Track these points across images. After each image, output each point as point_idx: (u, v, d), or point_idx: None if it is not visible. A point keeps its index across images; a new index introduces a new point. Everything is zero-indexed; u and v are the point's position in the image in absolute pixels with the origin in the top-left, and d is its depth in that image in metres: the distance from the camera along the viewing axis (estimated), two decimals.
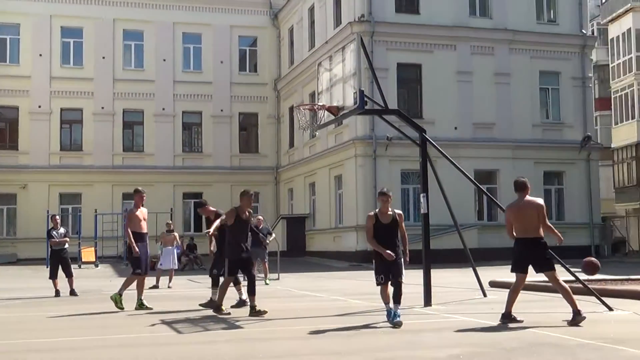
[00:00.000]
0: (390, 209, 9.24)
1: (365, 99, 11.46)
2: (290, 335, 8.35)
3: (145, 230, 12.00)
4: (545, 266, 8.88)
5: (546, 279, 9.10)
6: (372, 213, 9.29)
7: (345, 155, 29.35)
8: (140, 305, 11.60)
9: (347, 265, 26.09)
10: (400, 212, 9.42)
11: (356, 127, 28.35)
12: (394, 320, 8.72)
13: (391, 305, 8.91)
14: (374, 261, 9.30)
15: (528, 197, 9.00)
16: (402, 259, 9.13)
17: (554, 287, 9.06)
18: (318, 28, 33.08)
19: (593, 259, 10.65)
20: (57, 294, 14.81)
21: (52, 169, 34.80)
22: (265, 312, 10.06)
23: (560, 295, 8.91)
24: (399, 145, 26.31)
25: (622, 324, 8.52)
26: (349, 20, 28.93)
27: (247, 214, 10.69)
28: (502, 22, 30.33)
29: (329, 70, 12.61)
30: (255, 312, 10.09)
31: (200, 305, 11.49)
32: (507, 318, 8.84)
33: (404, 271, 9.04)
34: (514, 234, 8.99)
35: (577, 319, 8.53)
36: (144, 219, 12.05)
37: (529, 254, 8.85)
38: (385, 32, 28.74)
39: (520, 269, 8.94)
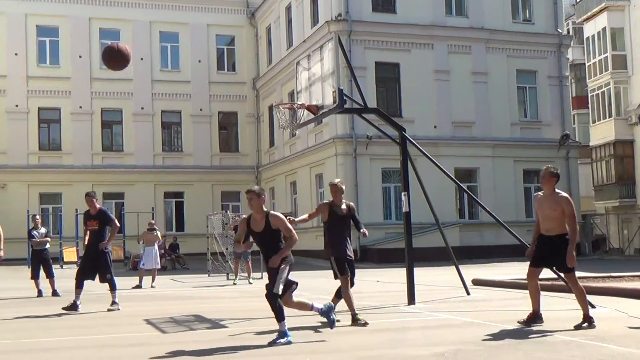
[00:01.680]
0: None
1: (345, 97, 11.51)
2: (274, 333, 8.39)
3: None
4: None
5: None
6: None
7: (326, 154, 29.44)
8: None
9: (329, 265, 26.17)
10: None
11: (336, 126, 28.45)
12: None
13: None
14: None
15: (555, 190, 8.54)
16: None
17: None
18: (295, 27, 33.13)
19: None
20: (39, 294, 14.75)
21: (32, 169, 34.55)
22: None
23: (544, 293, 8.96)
24: (379, 144, 26.41)
25: (604, 321, 8.65)
26: (326, 19, 29.03)
27: (347, 206, 9.48)
28: (478, 21, 30.60)
29: (308, 69, 12.64)
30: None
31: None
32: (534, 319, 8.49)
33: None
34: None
35: (584, 326, 8.15)
36: None
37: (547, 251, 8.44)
38: (362, 31, 28.86)
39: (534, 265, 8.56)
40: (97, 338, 8.51)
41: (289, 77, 30.71)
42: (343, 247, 9.25)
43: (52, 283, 15.06)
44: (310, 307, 8.12)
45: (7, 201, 33.67)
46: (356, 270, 9.43)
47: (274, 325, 9.14)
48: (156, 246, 18.17)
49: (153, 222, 19.48)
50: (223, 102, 37.94)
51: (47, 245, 15.49)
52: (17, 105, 34.78)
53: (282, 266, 7.75)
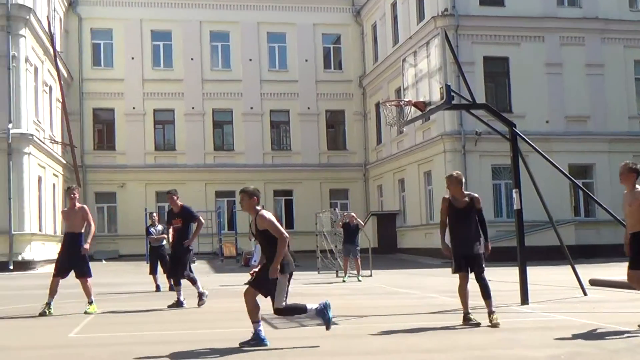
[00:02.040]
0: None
1: (452, 93, 11.36)
2: (385, 331, 8.38)
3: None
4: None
5: None
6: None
7: (434, 151, 29.13)
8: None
9: (440, 263, 25.85)
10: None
11: (444, 123, 28.10)
12: None
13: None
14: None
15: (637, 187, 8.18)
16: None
17: None
18: (401, 23, 32.94)
19: None
20: (157, 289, 15.34)
21: (148, 168, 35.96)
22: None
23: None
24: (489, 140, 25.97)
25: None
26: (433, 15, 28.69)
27: (469, 200, 8.81)
28: (592, 11, 29.44)
29: (414, 65, 12.53)
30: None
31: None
32: None
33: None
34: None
35: None
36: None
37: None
38: (469, 25, 28.37)
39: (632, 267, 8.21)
40: (211, 332, 8.77)
41: (396, 74, 30.58)
42: (462, 243, 8.86)
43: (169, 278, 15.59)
44: (305, 310, 7.53)
45: (126, 200, 35.24)
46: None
47: (386, 323, 9.16)
48: None
49: None
50: (330, 100, 38.22)
51: (164, 242, 16.03)
52: (134, 108, 36.31)
53: (280, 277, 7.29)
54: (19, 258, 24.80)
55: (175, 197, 11.71)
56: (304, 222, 34.46)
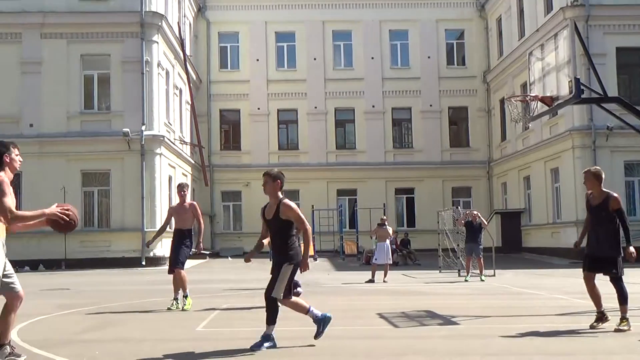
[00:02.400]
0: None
1: (582, 87, 10.93)
2: (507, 333, 8.16)
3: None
4: None
5: None
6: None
7: (562, 147, 28.06)
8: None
9: (567, 263, 24.92)
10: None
11: (573, 117, 27.01)
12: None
13: None
14: None
15: None
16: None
17: None
18: (528, 16, 31.93)
19: None
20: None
21: (272, 168, 36.61)
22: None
23: None
24: (621, 135, 24.81)
25: None
26: (561, 6, 27.58)
27: (604, 199, 8.43)
28: None
29: (541, 59, 12.16)
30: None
31: None
32: None
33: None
34: None
35: None
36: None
37: None
38: (601, 15, 27.07)
39: None
40: (332, 330, 8.83)
41: (521, 68, 29.77)
42: (589, 242, 8.56)
43: None
44: (306, 310, 7.36)
45: (251, 198, 36.15)
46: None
47: (509, 324, 8.92)
48: (388, 242, 18.45)
49: (384, 217, 19.71)
50: (453, 97, 37.65)
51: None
52: (259, 108, 37.21)
53: (285, 267, 7.15)
54: (151, 254, 25.98)
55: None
56: (425, 221, 34.18)
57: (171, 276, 11.22)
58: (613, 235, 8.37)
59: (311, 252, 29.88)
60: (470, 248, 18.15)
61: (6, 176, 6.21)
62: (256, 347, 7.14)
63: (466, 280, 17.64)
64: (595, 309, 8.52)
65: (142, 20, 26.66)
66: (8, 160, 6.35)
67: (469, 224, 18.28)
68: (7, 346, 6.24)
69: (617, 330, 8.06)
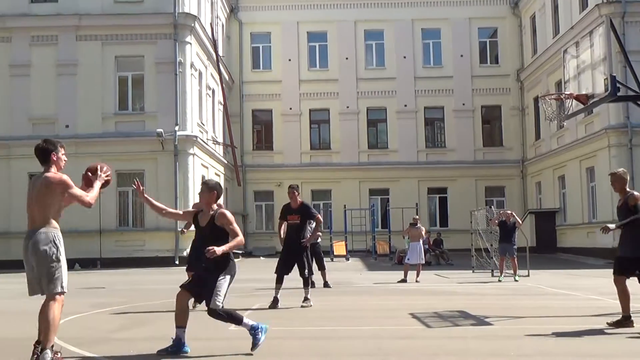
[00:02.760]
0: None
1: (618, 84, 10.78)
2: (542, 334, 8.08)
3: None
4: None
5: None
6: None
7: (597, 145, 27.66)
8: None
9: (603, 263, 24.55)
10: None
11: (609, 116, 26.62)
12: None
13: None
14: None
15: None
16: None
17: None
18: (562, 13, 31.54)
19: None
20: (312, 285, 15.63)
21: (304, 167, 36.81)
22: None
23: None
24: None
25: None
26: (597, 3, 27.18)
27: (625, 198, 8.60)
28: None
29: (576, 56, 12.02)
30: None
31: None
32: None
33: None
34: None
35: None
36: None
37: None
38: (638, 11, 26.63)
39: None
40: (365, 329, 8.83)
41: (556, 66, 29.42)
42: (619, 243, 8.66)
43: (324, 275, 15.89)
44: (239, 321, 7.06)
45: (283, 198, 35.98)
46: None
47: (543, 324, 8.82)
48: (421, 241, 18.37)
49: (417, 217, 19.61)
50: (486, 95, 37.35)
51: (319, 240, 16.33)
52: (291, 108, 37.31)
53: (221, 278, 6.92)
54: (184, 254, 26.18)
55: (296, 193, 11.50)
56: (458, 220, 33.96)
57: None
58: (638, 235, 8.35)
59: (343, 251, 29.69)
60: (503, 248, 17.96)
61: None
62: (255, 346, 6.98)
63: (500, 281, 17.48)
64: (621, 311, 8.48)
65: (175, 22, 26.89)
66: (55, 159, 6.83)
67: (503, 223, 18.08)
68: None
69: None
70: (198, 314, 10.34)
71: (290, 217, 11.43)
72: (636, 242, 8.33)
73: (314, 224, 11.92)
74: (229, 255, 7.00)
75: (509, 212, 18.63)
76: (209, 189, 7.26)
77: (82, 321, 9.85)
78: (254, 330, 6.99)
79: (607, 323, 8.55)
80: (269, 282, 17.33)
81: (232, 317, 7.05)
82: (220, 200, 10.81)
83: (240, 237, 7.02)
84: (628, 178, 8.75)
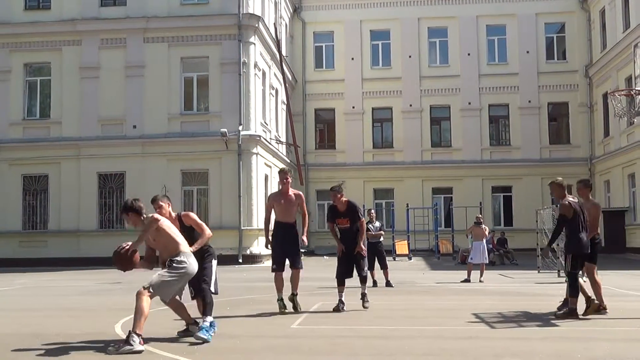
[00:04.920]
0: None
1: None
2: (612, 337, 7.89)
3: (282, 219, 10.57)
4: None
5: None
6: None
7: None
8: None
9: None
10: None
11: None
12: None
13: None
14: None
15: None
16: None
17: None
18: (633, 7, 30.62)
19: None
20: (374, 284, 15.63)
21: (366, 166, 36.78)
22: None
23: None
24: None
25: None
26: None
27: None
28: None
29: None
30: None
31: None
32: None
33: None
34: None
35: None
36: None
37: None
38: None
39: None
40: (427, 329, 8.77)
41: (626, 61, 28.62)
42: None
43: (386, 274, 15.84)
44: (187, 316, 7.98)
45: (345, 197, 36.28)
46: None
47: (612, 327, 8.61)
48: (484, 241, 18.12)
49: (480, 216, 19.33)
50: (553, 92, 36.61)
51: (382, 239, 16.30)
52: (353, 107, 37.32)
53: (208, 263, 8.13)
54: (247, 252, 26.51)
55: (339, 195, 10.71)
56: (523, 219, 33.43)
57: (268, 274, 11.09)
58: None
59: (405, 251, 29.50)
60: None
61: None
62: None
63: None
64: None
65: (239, 23, 27.19)
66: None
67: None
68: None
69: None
70: (260, 312, 10.45)
71: (339, 222, 10.74)
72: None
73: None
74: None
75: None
76: (159, 207, 8.20)
77: (148, 318, 10.03)
78: (209, 325, 7.68)
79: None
80: (329, 281, 17.42)
81: (182, 310, 7.92)
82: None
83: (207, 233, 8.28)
84: (566, 185, 10.42)
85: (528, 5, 36.57)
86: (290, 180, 10.60)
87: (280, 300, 10.34)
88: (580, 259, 9.85)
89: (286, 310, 10.25)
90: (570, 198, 10.00)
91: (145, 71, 27.49)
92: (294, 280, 10.43)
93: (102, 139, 27.25)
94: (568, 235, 9.86)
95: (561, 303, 10.06)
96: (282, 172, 10.71)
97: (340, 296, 10.61)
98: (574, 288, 9.63)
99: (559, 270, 19.00)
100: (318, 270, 20.62)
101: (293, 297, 10.46)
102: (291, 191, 10.57)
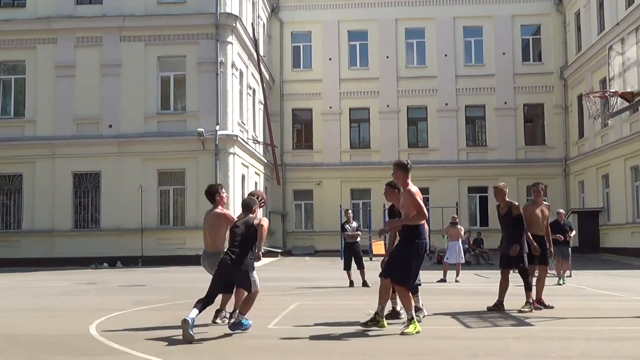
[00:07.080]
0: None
1: None
2: (586, 335, 7.97)
3: None
4: None
5: None
6: None
7: None
8: None
9: None
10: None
11: None
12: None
13: None
14: None
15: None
16: None
17: None
18: (608, 9, 30.97)
19: None
20: (351, 284, 15.66)
21: (344, 166, 36.81)
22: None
23: None
24: None
25: None
26: None
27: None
28: None
29: (622, 53, 11.82)
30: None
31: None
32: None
33: None
34: None
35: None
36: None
37: None
38: None
39: None
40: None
41: (600, 63, 28.92)
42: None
43: (362, 274, 15.86)
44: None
45: (322, 197, 36.35)
46: None
47: (586, 326, 8.70)
48: (460, 241, 18.22)
49: (456, 216, 19.47)
50: (528, 93, 36.88)
51: (359, 239, 16.33)
52: (330, 107, 37.31)
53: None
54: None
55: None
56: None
57: None
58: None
59: (382, 251, 29.71)
60: (559, 250, 15.63)
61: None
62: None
63: (559, 284, 16.15)
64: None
65: (216, 22, 27.08)
66: (219, 198, 8.97)
67: (555, 223, 16.27)
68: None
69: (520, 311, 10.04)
70: None
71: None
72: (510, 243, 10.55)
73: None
74: None
75: (561, 211, 17.55)
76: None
77: (123, 318, 9.99)
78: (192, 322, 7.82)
79: (487, 308, 10.44)
80: (307, 280, 17.45)
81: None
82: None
83: None
84: (507, 190, 11.34)
85: (504, 7, 36.81)
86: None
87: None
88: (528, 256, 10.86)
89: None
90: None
91: (122, 70, 27.27)
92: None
93: (78, 138, 26.99)
94: (520, 235, 10.79)
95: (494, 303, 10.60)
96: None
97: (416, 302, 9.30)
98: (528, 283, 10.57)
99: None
100: (295, 270, 20.63)
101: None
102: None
